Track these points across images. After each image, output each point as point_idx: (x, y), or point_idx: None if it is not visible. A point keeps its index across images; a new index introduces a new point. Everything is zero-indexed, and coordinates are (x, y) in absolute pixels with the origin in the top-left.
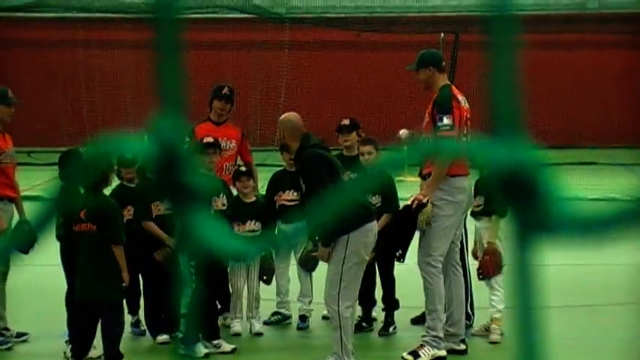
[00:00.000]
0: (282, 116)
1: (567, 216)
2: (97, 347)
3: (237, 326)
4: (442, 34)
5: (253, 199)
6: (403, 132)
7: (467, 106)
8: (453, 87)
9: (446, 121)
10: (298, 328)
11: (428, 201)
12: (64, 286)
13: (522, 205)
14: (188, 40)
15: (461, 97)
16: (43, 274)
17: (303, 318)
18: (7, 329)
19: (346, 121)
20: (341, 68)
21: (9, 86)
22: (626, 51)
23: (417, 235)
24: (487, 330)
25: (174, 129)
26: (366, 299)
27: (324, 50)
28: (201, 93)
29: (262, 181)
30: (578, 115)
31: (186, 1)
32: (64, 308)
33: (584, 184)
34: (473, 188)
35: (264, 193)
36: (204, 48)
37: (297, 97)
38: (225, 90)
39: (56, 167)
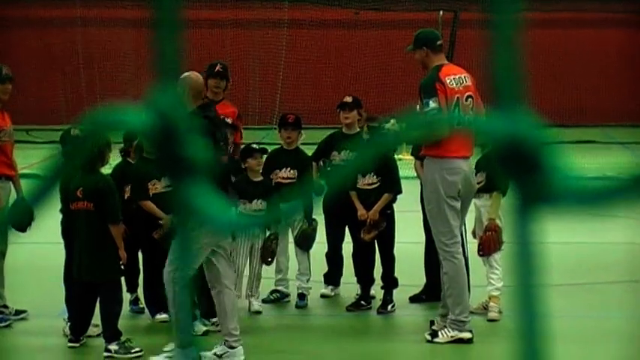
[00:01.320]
0: (184, 75)
1: (569, 187)
2: (97, 324)
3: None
4: (441, 12)
5: (260, 178)
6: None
7: (464, 84)
8: (447, 67)
9: (432, 104)
10: (297, 307)
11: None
12: (63, 264)
13: (523, 176)
14: (187, 18)
15: (451, 78)
16: (41, 251)
17: (302, 296)
18: (6, 307)
19: (349, 99)
20: (339, 46)
21: (7, 65)
22: (624, 30)
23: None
24: (485, 308)
25: (172, 102)
26: (365, 277)
27: (323, 29)
28: (200, 72)
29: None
30: (575, 94)
31: None
32: (63, 286)
33: (582, 162)
34: (474, 168)
35: None
36: (204, 27)
37: (295, 76)
38: (219, 67)
39: (54, 145)
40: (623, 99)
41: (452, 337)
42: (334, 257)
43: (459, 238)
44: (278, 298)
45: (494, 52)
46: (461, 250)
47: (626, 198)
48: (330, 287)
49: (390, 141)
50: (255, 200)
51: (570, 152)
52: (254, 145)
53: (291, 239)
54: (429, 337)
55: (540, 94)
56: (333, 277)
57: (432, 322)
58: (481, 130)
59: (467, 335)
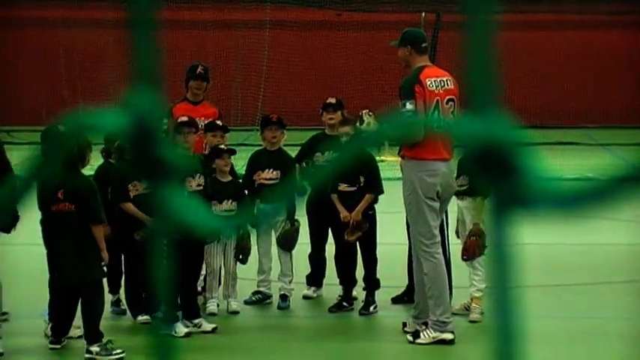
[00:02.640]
0: None
1: (545, 191)
2: (78, 326)
3: (212, 306)
4: (423, 14)
5: (229, 178)
6: (364, 113)
7: (445, 87)
8: (429, 69)
9: (408, 106)
10: (279, 308)
11: None
12: (44, 266)
13: (499, 180)
14: (169, 19)
15: (432, 80)
16: (23, 252)
17: (284, 297)
18: None
19: (332, 100)
20: (322, 48)
21: None
22: (606, 31)
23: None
24: (467, 309)
25: (149, 104)
26: (347, 279)
27: (305, 30)
28: (182, 72)
29: (243, 160)
30: (557, 95)
31: None
32: (45, 287)
33: (564, 163)
34: (455, 170)
35: (243, 172)
36: (185, 27)
37: (278, 77)
38: (200, 69)
39: (35, 146)
40: (604, 101)
41: (434, 338)
42: (317, 259)
43: (439, 238)
44: (260, 300)
45: (469, 53)
46: (440, 250)
47: (602, 201)
48: (313, 288)
49: (368, 142)
50: (226, 201)
51: (551, 154)
52: (222, 146)
53: (274, 240)
54: (410, 338)
55: (521, 95)
56: (315, 278)
57: (404, 324)
58: (456, 132)
59: (449, 336)
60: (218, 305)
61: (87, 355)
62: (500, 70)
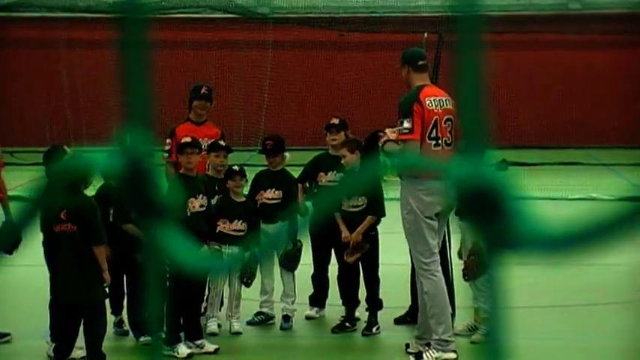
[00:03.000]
0: None
1: (533, 233)
2: (81, 347)
3: (212, 325)
4: (425, 34)
5: (243, 199)
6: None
7: (444, 107)
8: (428, 88)
9: (406, 124)
10: (281, 328)
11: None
12: (47, 286)
13: (488, 222)
14: (172, 39)
15: (431, 99)
16: (25, 273)
17: (287, 318)
18: None
19: (335, 120)
20: (324, 68)
21: None
22: (608, 51)
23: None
24: (470, 329)
25: (141, 143)
26: (350, 299)
27: (308, 50)
28: (185, 92)
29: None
30: (561, 116)
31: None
32: (47, 308)
33: (568, 184)
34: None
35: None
36: (188, 47)
37: (280, 97)
38: (204, 90)
39: (38, 167)
40: (607, 121)
41: (436, 358)
42: (319, 279)
43: (438, 257)
44: (263, 320)
45: (460, 84)
46: (440, 268)
47: (592, 244)
48: (315, 309)
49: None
50: (236, 220)
51: (556, 174)
52: (235, 167)
53: (276, 261)
54: (413, 359)
55: (524, 116)
56: (318, 299)
57: (407, 345)
58: (447, 175)
59: (451, 356)
60: (220, 325)
61: None
62: (494, 94)
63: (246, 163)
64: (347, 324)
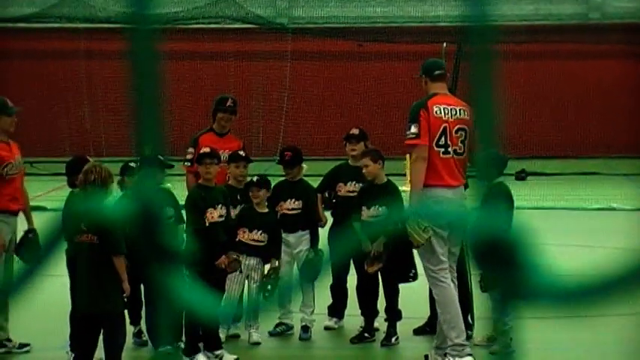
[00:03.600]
0: None
1: (546, 286)
2: (100, 358)
3: (221, 334)
4: (445, 44)
5: (266, 210)
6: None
7: (457, 116)
8: (440, 96)
9: (413, 129)
10: (300, 339)
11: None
12: (67, 297)
13: (501, 273)
14: (190, 50)
15: (440, 107)
16: (45, 283)
17: (306, 328)
18: (10, 340)
19: (355, 131)
20: (343, 78)
21: (11, 97)
22: (626, 61)
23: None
24: (489, 340)
25: (153, 190)
26: (369, 309)
27: (327, 60)
28: (205, 102)
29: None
30: (580, 126)
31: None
32: (67, 319)
33: (587, 194)
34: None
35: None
36: (207, 58)
37: (299, 107)
38: (230, 102)
39: (58, 178)
40: (626, 130)
41: None
42: (338, 289)
43: (446, 265)
44: (284, 331)
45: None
46: (448, 274)
47: (600, 299)
48: (334, 320)
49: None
50: (255, 230)
51: (575, 184)
52: (254, 179)
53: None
54: None
55: (543, 126)
56: (337, 309)
57: (426, 357)
58: (461, 226)
59: (468, 359)
60: (239, 336)
61: None
62: (514, 103)
63: (265, 174)
64: (366, 334)
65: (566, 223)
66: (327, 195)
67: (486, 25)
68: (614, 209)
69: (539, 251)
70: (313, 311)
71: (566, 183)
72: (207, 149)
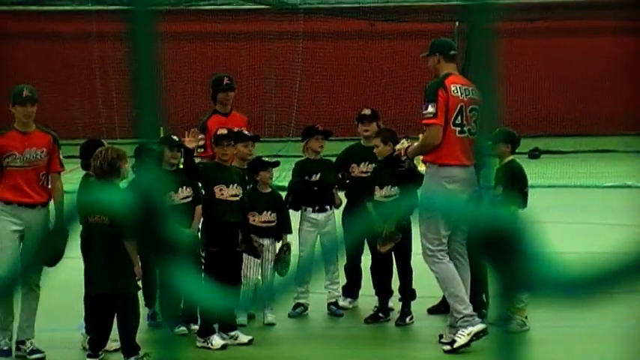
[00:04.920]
0: None
1: (550, 277)
2: (115, 339)
3: (242, 317)
4: (457, 23)
5: (269, 189)
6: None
7: (471, 96)
8: (455, 76)
9: (430, 109)
10: (335, 314)
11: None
12: (81, 278)
13: (503, 263)
14: (202, 30)
15: (457, 86)
16: (61, 265)
17: (336, 304)
18: (23, 343)
19: (367, 111)
20: (355, 58)
21: (23, 79)
22: None
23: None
24: None
25: (153, 182)
26: (383, 289)
27: (339, 40)
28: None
29: (284, 172)
30: (594, 103)
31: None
32: (82, 300)
33: (602, 171)
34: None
35: (280, 182)
36: (219, 39)
37: (311, 88)
38: (226, 80)
39: (72, 160)
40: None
41: (469, 334)
42: (353, 270)
43: (445, 247)
44: (303, 311)
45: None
46: (445, 255)
47: (607, 287)
48: (349, 300)
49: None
50: (265, 212)
51: (589, 162)
52: (266, 158)
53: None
54: (447, 347)
55: (557, 104)
56: (351, 289)
57: (440, 336)
58: (464, 216)
59: (481, 326)
60: (253, 316)
61: None
62: (527, 81)
63: (278, 154)
64: (380, 314)
65: (581, 201)
66: (340, 176)
67: (486, 4)
68: (629, 187)
69: (543, 241)
70: (339, 287)
71: (580, 161)
72: (224, 130)
